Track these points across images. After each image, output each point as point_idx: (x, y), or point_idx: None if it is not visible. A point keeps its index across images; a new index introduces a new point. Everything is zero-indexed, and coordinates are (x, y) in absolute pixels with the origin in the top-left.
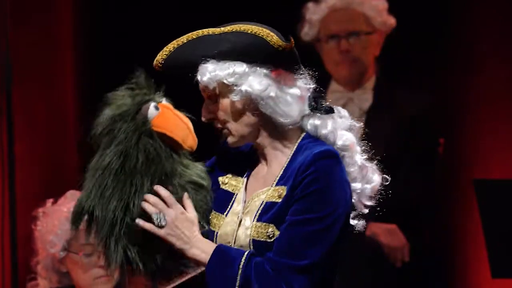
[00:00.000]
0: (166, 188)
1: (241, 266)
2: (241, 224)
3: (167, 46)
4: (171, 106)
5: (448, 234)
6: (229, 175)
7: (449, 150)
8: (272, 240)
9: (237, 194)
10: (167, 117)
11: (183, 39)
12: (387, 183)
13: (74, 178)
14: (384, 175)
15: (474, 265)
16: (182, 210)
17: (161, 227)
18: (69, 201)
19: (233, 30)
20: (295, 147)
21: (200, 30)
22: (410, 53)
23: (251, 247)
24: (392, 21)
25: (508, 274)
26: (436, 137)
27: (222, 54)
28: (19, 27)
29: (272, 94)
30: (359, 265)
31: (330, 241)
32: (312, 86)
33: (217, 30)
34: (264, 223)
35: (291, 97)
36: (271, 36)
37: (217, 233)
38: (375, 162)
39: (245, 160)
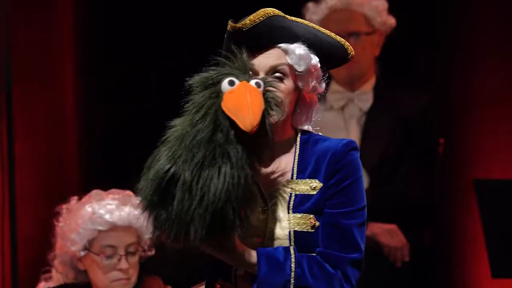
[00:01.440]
0: None
1: (293, 268)
2: (269, 217)
3: (259, 11)
4: (255, 89)
5: (448, 234)
6: None
7: (449, 150)
8: (313, 230)
9: None
10: (235, 94)
11: (271, 11)
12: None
13: (74, 178)
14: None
15: (474, 265)
16: None
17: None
18: (94, 201)
19: (310, 25)
20: (299, 141)
21: (275, 10)
22: (410, 53)
23: (292, 238)
24: (392, 21)
25: (508, 274)
26: (436, 137)
27: (309, 43)
28: (19, 27)
29: (316, 96)
30: None
31: (365, 231)
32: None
33: (292, 18)
34: (304, 214)
35: (317, 104)
36: (348, 45)
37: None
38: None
39: None
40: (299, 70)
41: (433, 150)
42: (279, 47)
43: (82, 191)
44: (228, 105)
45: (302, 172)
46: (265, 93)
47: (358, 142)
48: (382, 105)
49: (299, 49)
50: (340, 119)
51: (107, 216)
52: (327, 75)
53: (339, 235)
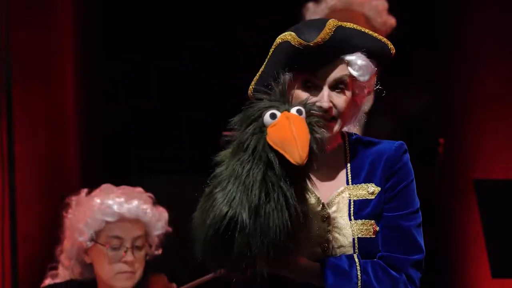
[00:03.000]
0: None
1: (359, 276)
2: (331, 226)
3: (328, 24)
4: (297, 117)
5: (448, 234)
6: None
7: (449, 150)
8: (375, 236)
9: None
10: (279, 127)
11: (334, 23)
12: None
13: (74, 178)
14: None
15: (474, 265)
16: None
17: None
18: (104, 193)
19: (362, 30)
20: (347, 144)
21: (334, 20)
22: (410, 53)
23: (356, 245)
24: (392, 21)
25: (508, 274)
26: (436, 137)
27: (366, 50)
28: (19, 27)
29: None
30: None
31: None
32: None
33: (344, 24)
34: (366, 220)
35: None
36: (390, 45)
37: None
38: None
39: None
40: (362, 80)
41: (433, 150)
42: (342, 58)
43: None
44: (274, 139)
45: (357, 176)
46: (307, 117)
47: None
48: (382, 105)
49: (361, 59)
50: None
51: (115, 207)
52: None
53: (400, 238)
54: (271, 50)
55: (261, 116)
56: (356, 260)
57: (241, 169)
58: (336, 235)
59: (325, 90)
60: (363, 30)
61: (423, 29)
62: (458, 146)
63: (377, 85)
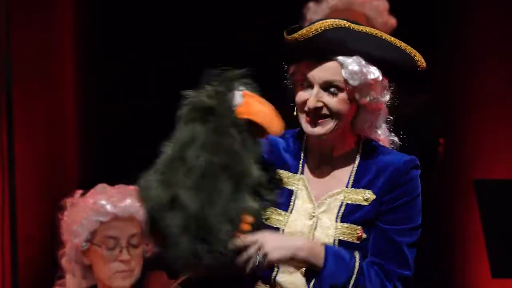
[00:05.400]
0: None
1: (355, 271)
2: (316, 224)
3: (315, 24)
4: (253, 94)
5: (448, 234)
6: (281, 171)
7: (449, 150)
8: (359, 242)
9: (296, 191)
10: (250, 104)
11: (330, 23)
12: None
13: (74, 178)
14: None
15: (474, 265)
16: (266, 234)
17: (265, 262)
18: (97, 193)
19: (376, 35)
20: (360, 149)
21: (340, 20)
22: None
23: (337, 247)
24: (392, 21)
25: (508, 274)
26: (436, 137)
27: (370, 56)
28: (19, 27)
29: (381, 107)
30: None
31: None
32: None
33: (356, 27)
34: (351, 224)
35: (384, 113)
36: (419, 57)
37: (283, 230)
38: None
39: (291, 156)
40: (352, 84)
41: (433, 150)
42: (336, 59)
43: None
44: (252, 114)
45: (358, 181)
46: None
47: None
48: None
49: (353, 64)
50: None
51: (108, 207)
52: (393, 85)
53: (393, 251)
54: None
55: (226, 98)
56: (357, 256)
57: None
58: (318, 234)
59: (315, 90)
60: (380, 36)
61: (423, 29)
62: (458, 146)
63: (394, 99)
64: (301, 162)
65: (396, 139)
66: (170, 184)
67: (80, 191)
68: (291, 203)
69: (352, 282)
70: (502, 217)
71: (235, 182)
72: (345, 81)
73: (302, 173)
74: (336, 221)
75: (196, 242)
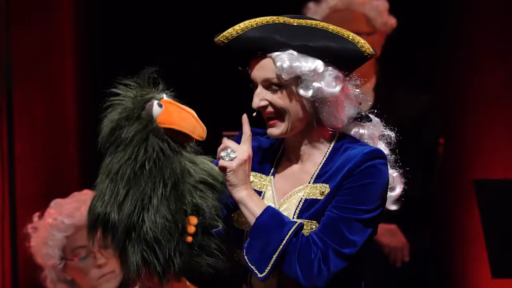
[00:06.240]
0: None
1: (291, 232)
2: None
3: (240, 23)
4: (172, 101)
5: (448, 234)
6: (253, 173)
7: (449, 150)
8: None
9: (265, 192)
10: (171, 112)
11: (260, 21)
12: (407, 187)
13: (74, 178)
14: (404, 181)
15: (474, 265)
16: (249, 153)
17: (231, 160)
18: (53, 211)
19: (316, 26)
20: (331, 146)
21: (274, 17)
22: (411, 53)
23: None
24: (392, 21)
25: (508, 274)
26: (436, 137)
27: (304, 47)
28: (19, 27)
29: (337, 96)
30: None
31: (369, 234)
32: (359, 91)
33: (292, 20)
34: (306, 220)
35: (348, 103)
36: (363, 43)
37: (247, 231)
38: (399, 170)
39: (268, 158)
40: (285, 79)
41: (433, 150)
42: (270, 56)
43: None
44: (174, 123)
45: (321, 176)
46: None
47: None
48: (382, 105)
49: (284, 59)
50: None
51: (66, 221)
52: (348, 73)
53: (335, 227)
54: None
55: (144, 108)
56: (298, 223)
57: (119, 167)
58: None
59: (258, 89)
60: (320, 27)
61: (423, 29)
62: (458, 146)
63: (358, 92)
64: (274, 162)
65: (391, 134)
66: (102, 200)
67: (37, 214)
68: None
69: (284, 241)
70: (502, 217)
71: (172, 185)
72: (279, 76)
73: (273, 174)
74: (293, 218)
75: (141, 251)
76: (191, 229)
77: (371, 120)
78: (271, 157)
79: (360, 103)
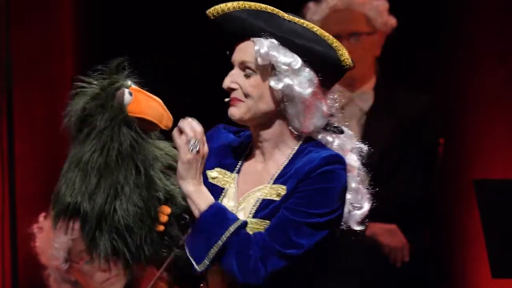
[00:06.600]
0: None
1: (231, 228)
2: None
3: (235, 2)
4: (140, 89)
5: (448, 234)
6: (218, 169)
7: (449, 150)
8: None
9: (227, 189)
10: (140, 101)
11: (254, 5)
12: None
13: None
14: (372, 197)
15: (474, 265)
16: (207, 150)
17: (190, 152)
18: None
19: (307, 26)
20: (296, 149)
21: (270, 7)
22: (411, 53)
23: None
24: (392, 21)
25: (508, 274)
26: (436, 137)
27: (287, 41)
28: (19, 27)
29: (306, 99)
30: (359, 266)
31: (320, 239)
32: (336, 106)
33: (285, 15)
34: (260, 220)
35: (317, 109)
36: (343, 52)
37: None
38: (368, 187)
39: (235, 156)
40: (260, 63)
41: (433, 150)
42: (252, 40)
43: None
44: (144, 112)
45: (281, 177)
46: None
47: None
48: (382, 105)
49: (264, 44)
50: (340, 119)
51: None
52: (326, 83)
53: (281, 228)
54: None
55: (115, 96)
56: (240, 220)
57: (90, 157)
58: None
59: (233, 70)
60: (306, 27)
61: (423, 29)
62: (458, 146)
63: (332, 93)
64: (241, 160)
65: (364, 147)
66: (71, 189)
67: (43, 214)
68: (219, 201)
69: (224, 237)
70: (502, 217)
71: (144, 172)
72: (255, 60)
73: (238, 171)
74: (248, 217)
75: (112, 239)
76: (164, 218)
77: (343, 132)
78: (238, 155)
79: (332, 115)
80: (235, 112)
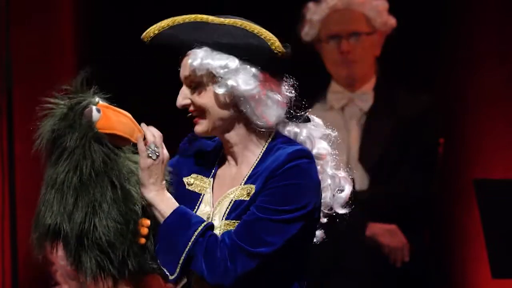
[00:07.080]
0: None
1: (196, 233)
2: None
3: (163, 21)
4: (108, 105)
5: (448, 234)
6: (194, 175)
7: (449, 150)
8: None
9: (204, 195)
10: (109, 117)
11: (181, 19)
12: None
13: None
14: (353, 181)
15: (474, 265)
16: (167, 155)
17: (149, 157)
18: None
19: (235, 25)
20: (265, 147)
21: (199, 15)
22: (410, 53)
23: None
24: (392, 21)
25: (508, 274)
26: (436, 137)
27: (219, 44)
28: (19, 27)
29: (255, 95)
30: (359, 266)
31: (290, 236)
32: (294, 94)
33: (216, 19)
34: (233, 221)
35: (272, 101)
36: (274, 41)
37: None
38: (346, 170)
39: (209, 160)
40: (197, 75)
41: (433, 150)
42: (188, 54)
43: None
44: (115, 128)
45: (251, 177)
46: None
47: (358, 142)
48: (382, 105)
49: (195, 56)
50: (340, 119)
51: None
52: (273, 73)
53: (249, 227)
54: None
55: (82, 115)
56: (205, 223)
57: (64, 177)
58: None
59: (182, 88)
60: (233, 25)
61: (423, 29)
62: (458, 146)
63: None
64: (215, 165)
65: (334, 133)
66: (50, 211)
67: None
68: (196, 207)
69: (190, 243)
70: (502, 217)
71: (120, 187)
72: (193, 73)
73: (213, 176)
74: (222, 219)
75: (95, 256)
76: (144, 230)
77: (309, 121)
78: (212, 160)
79: (292, 104)
80: (198, 129)
